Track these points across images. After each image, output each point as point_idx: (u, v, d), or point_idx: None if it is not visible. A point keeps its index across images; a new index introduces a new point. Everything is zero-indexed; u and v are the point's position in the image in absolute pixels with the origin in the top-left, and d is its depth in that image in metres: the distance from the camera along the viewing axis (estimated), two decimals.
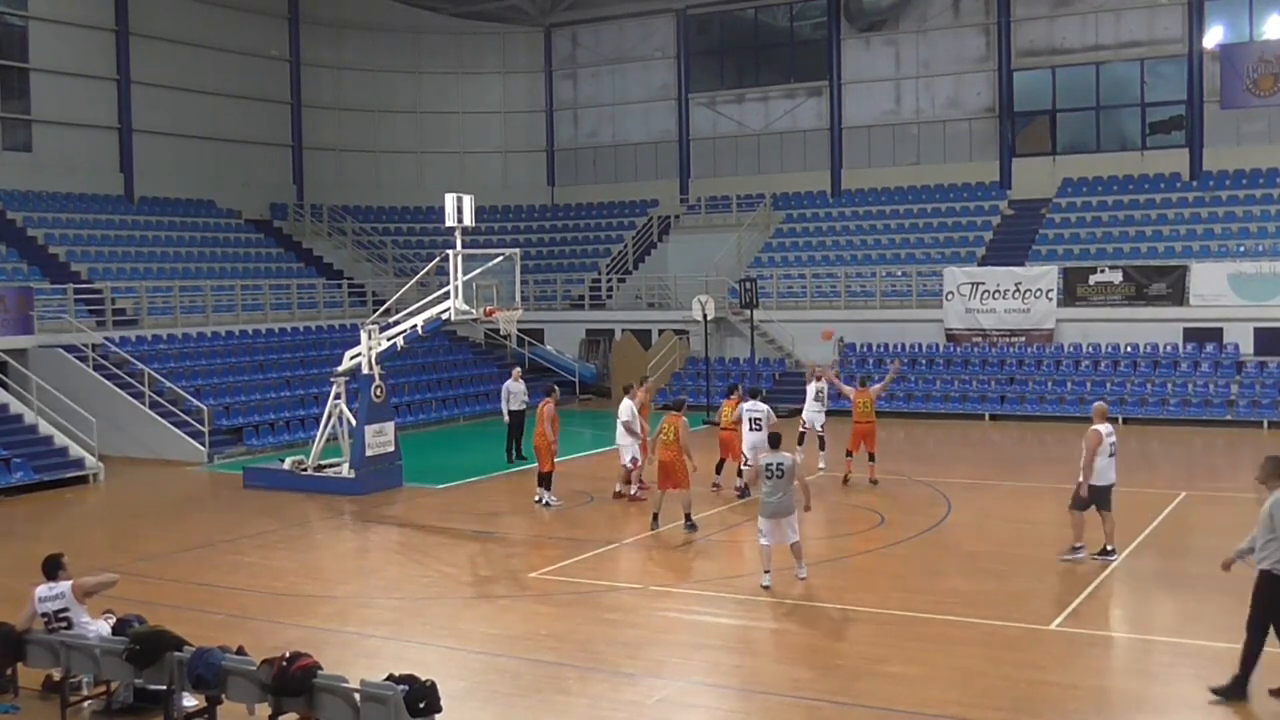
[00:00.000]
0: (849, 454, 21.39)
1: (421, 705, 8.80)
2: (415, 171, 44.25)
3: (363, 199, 43.17)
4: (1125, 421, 29.02)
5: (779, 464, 14.15)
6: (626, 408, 20.11)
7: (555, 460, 20.19)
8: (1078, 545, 15.27)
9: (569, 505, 19.89)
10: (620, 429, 20.06)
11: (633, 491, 20.08)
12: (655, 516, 17.78)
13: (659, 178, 43.71)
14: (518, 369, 25.81)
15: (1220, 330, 30.55)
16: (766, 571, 14.27)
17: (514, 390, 24.50)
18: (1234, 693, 10.27)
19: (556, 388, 21.20)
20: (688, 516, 17.53)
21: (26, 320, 26.50)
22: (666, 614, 13.55)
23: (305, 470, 22.20)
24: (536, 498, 20.04)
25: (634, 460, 19.98)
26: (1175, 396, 29.28)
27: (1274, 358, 29.66)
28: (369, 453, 21.51)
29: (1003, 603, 13.59)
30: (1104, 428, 15.28)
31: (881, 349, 33.84)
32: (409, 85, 44.41)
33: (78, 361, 26.91)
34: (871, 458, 21.17)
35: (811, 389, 22.62)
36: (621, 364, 36.12)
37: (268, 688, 9.22)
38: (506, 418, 24.56)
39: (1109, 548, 15.30)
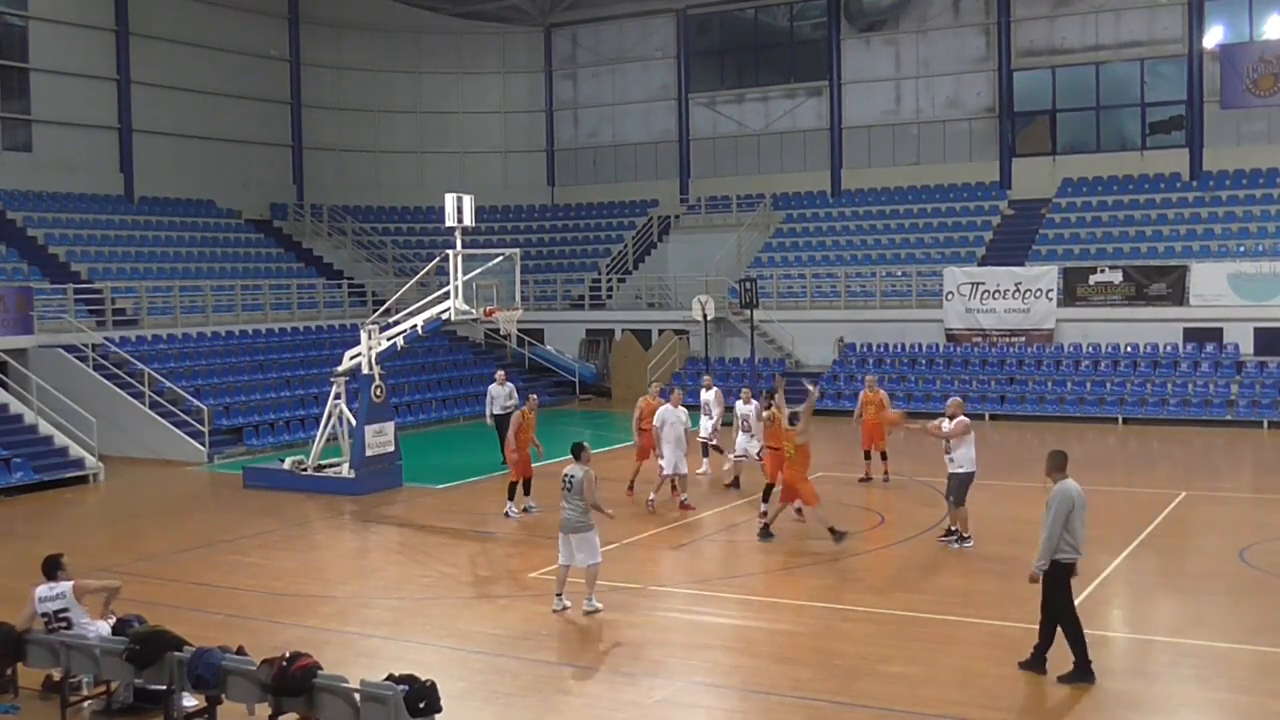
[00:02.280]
0: (866, 455, 21.60)
1: (421, 705, 8.81)
2: (415, 171, 44.24)
3: (363, 199, 43.17)
4: (1125, 421, 29.09)
5: (571, 476, 13.25)
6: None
7: (531, 468, 19.23)
8: (965, 535, 16.13)
9: (518, 516, 19.12)
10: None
11: (650, 496, 19.47)
12: (766, 527, 17.06)
13: (659, 178, 43.70)
14: (500, 372, 25.35)
15: (1220, 330, 30.56)
16: (558, 594, 13.50)
17: (495, 394, 24.14)
18: (1034, 665, 11.09)
19: (533, 397, 20.57)
20: (831, 529, 16.33)
21: (26, 320, 26.50)
22: (666, 614, 13.55)
23: (305, 470, 22.21)
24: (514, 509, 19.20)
25: (659, 468, 19.50)
26: (1175, 396, 29.26)
27: (1274, 358, 29.65)
28: (369, 453, 21.51)
29: (1003, 603, 13.57)
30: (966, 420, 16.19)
31: (881, 349, 33.84)
32: (409, 85, 44.40)
33: (78, 361, 26.91)
34: (884, 456, 21.52)
35: (751, 409, 19.97)
36: (621, 364, 36.13)
37: (268, 688, 9.23)
38: (490, 421, 24.28)
39: (953, 528, 16.28)
